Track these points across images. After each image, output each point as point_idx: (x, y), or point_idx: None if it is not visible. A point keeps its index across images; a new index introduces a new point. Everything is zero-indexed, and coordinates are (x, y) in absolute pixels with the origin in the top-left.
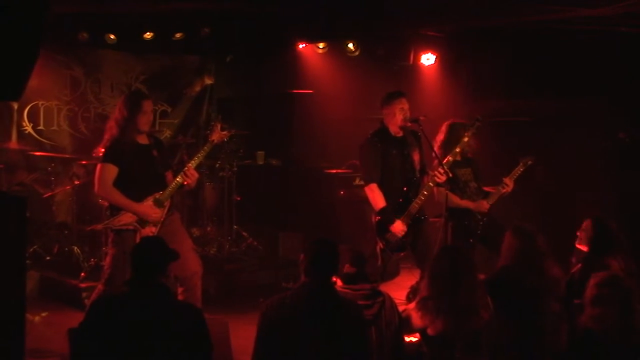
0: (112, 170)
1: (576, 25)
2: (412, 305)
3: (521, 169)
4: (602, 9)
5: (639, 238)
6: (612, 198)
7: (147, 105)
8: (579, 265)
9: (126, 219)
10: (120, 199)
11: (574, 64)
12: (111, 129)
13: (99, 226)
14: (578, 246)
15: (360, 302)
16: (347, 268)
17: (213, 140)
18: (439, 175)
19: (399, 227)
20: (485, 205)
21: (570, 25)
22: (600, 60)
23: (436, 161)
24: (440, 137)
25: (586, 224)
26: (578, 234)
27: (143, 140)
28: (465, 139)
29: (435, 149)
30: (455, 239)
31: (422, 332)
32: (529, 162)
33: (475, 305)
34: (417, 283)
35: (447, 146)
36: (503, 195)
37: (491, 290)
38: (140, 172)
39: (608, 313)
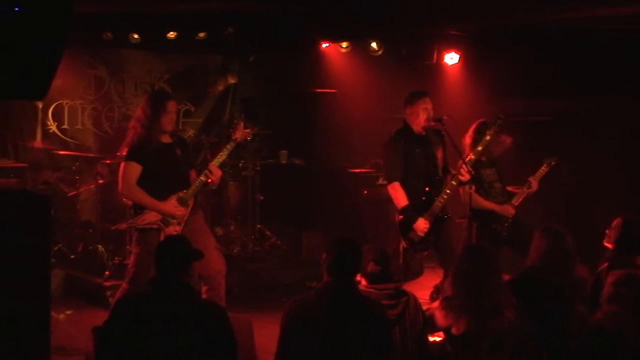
0: (136, 169)
1: (599, 24)
2: (436, 304)
3: (545, 170)
4: (625, 8)
5: None
6: (636, 197)
7: (171, 106)
8: (605, 264)
9: (150, 217)
10: (143, 197)
11: (597, 62)
12: (134, 128)
13: (123, 225)
14: (606, 244)
15: (384, 302)
16: (371, 267)
17: (236, 139)
18: (462, 173)
19: (421, 224)
20: (511, 209)
21: (594, 24)
22: (623, 58)
23: (460, 160)
24: (469, 138)
25: (616, 222)
26: (607, 231)
27: (166, 139)
28: (487, 137)
29: (466, 148)
30: (480, 241)
31: (446, 331)
32: (553, 163)
33: (499, 306)
34: (441, 282)
35: (475, 145)
36: (528, 195)
37: (517, 290)
38: (163, 170)
39: (623, 312)
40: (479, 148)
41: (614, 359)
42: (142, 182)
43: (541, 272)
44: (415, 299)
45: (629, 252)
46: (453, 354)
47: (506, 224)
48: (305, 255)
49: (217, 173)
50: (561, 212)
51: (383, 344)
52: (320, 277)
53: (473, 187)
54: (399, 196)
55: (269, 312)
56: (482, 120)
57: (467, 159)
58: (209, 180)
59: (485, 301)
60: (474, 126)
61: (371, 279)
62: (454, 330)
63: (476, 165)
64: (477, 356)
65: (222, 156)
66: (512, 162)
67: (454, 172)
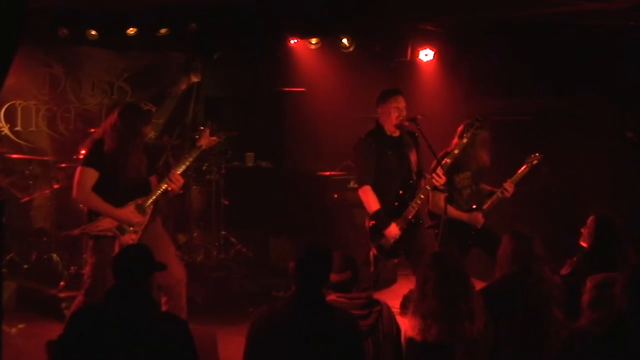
0: (92, 175)
1: (583, 20)
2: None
3: (526, 170)
4: (610, 3)
5: None
6: (618, 198)
7: (147, 131)
8: (577, 263)
9: (105, 224)
10: (99, 203)
11: (578, 60)
12: (104, 138)
13: (76, 231)
14: (582, 243)
15: (356, 312)
16: (334, 276)
17: (201, 146)
18: (436, 177)
19: (393, 231)
20: (480, 218)
21: (577, 20)
22: (606, 56)
23: (434, 163)
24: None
25: (590, 220)
26: (582, 230)
27: None
28: (465, 140)
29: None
30: (445, 247)
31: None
32: (535, 162)
33: (471, 312)
34: (411, 291)
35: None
36: (503, 199)
37: (492, 298)
38: (122, 176)
39: (610, 316)
40: (456, 151)
41: None
42: (99, 188)
43: (515, 279)
44: (389, 309)
45: (603, 251)
46: None
47: (473, 232)
48: (273, 263)
49: (179, 181)
50: (541, 214)
51: (353, 355)
52: (288, 286)
53: (446, 194)
54: (370, 200)
55: (235, 323)
56: (468, 121)
57: (444, 162)
58: (170, 188)
59: (456, 307)
60: (460, 127)
61: (336, 287)
62: (426, 338)
63: (449, 170)
64: None
65: (185, 163)
66: (490, 163)
67: (428, 176)
